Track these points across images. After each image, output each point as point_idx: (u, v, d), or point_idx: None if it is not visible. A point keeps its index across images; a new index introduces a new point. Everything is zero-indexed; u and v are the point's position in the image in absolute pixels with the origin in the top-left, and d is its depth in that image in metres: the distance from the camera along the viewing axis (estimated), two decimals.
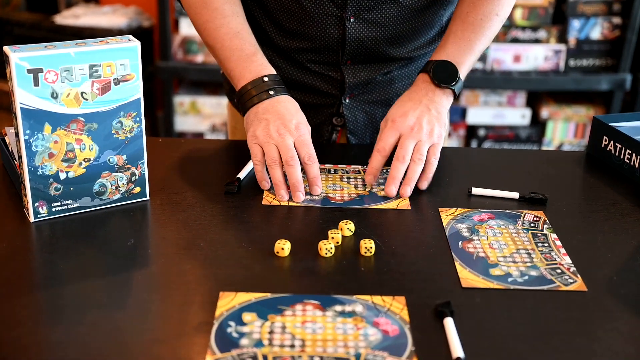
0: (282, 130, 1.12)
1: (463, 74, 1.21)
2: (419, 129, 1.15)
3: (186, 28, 2.89)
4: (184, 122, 3.05)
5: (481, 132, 3.04)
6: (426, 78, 1.21)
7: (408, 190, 1.13)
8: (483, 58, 2.86)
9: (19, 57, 0.94)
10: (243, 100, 1.18)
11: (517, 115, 3.02)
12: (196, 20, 1.24)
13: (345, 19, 1.23)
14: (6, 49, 0.95)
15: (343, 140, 1.37)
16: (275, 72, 1.19)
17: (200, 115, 3.05)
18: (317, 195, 1.12)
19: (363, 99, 1.34)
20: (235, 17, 1.22)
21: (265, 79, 1.17)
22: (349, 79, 1.30)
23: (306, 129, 1.14)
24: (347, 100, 1.33)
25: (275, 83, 1.17)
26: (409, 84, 1.34)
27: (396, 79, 1.34)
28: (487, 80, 2.88)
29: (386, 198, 1.13)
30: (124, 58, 1.01)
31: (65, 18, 3.01)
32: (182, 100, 3.03)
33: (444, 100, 1.20)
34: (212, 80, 2.97)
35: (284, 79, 1.32)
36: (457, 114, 3.00)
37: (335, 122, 1.34)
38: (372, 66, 1.30)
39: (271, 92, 1.16)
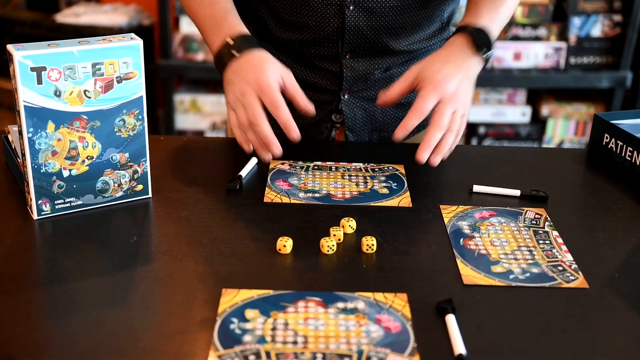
0: (245, 89, 1.09)
1: (494, 46, 1.18)
2: (458, 98, 1.11)
3: (186, 26, 2.89)
4: (184, 120, 3.06)
5: (481, 130, 3.05)
6: (465, 40, 1.16)
7: (438, 159, 1.10)
8: None
9: (23, 55, 0.94)
10: (218, 69, 1.17)
11: (518, 113, 3.03)
12: None
13: (344, 6, 1.23)
14: (10, 47, 0.95)
15: (342, 137, 1.38)
16: (242, 30, 1.16)
17: (201, 113, 3.05)
18: (294, 142, 1.10)
19: (362, 95, 1.34)
20: None
21: (229, 41, 1.14)
22: (348, 73, 1.30)
23: (268, 76, 1.08)
24: (346, 97, 1.33)
25: (239, 42, 1.14)
26: None
27: (395, 76, 1.34)
28: (487, 78, 2.88)
29: (387, 195, 1.13)
30: (127, 56, 1.01)
31: (66, 17, 3.01)
32: (182, 99, 3.03)
33: (478, 69, 1.17)
34: (213, 79, 2.97)
35: None
36: None
37: (334, 119, 1.35)
38: (371, 60, 1.30)
39: (234, 53, 1.13)
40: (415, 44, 1.32)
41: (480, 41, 1.16)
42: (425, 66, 1.14)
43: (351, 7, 1.23)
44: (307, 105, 1.13)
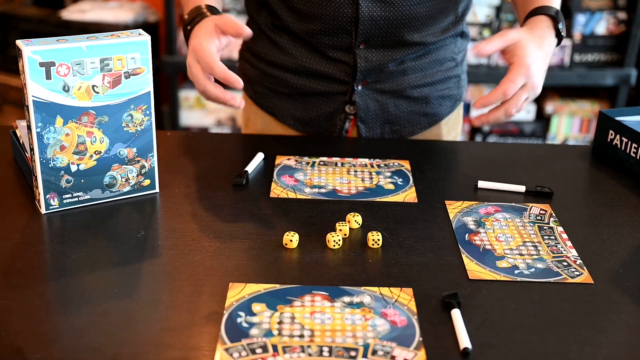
0: (190, 60, 1.14)
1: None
2: (536, 87, 1.16)
3: None
4: (189, 117, 3.06)
5: (485, 127, 3.05)
6: (550, 24, 1.20)
7: (484, 122, 1.17)
8: None
9: (32, 50, 0.95)
10: None
11: (522, 110, 3.02)
12: None
13: None
14: (19, 42, 0.96)
15: (354, 129, 1.38)
16: (197, 4, 1.20)
17: (206, 109, 3.06)
18: (239, 90, 1.16)
19: (375, 87, 1.34)
20: None
21: (185, 17, 1.20)
22: (362, 64, 1.30)
23: (200, 41, 1.13)
24: (360, 88, 1.33)
25: (193, 16, 1.19)
26: (422, 76, 1.35)
27: (409, 70, 1.34)
28: (492, 75, 2.88)
29: (393, 191, 1.14)
30: (135, 52, 1.02)
31: (72, 13, 3.01)
32: (187, 95, 3.04)
33: (553, 45, 1.21)
34: None
35: (298, 68, 1.33)
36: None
37: (348, 110, 1.35)
38: (385, 51, 1.30)
39: (188, 28, 1.18)
40: (429, 37, 1.32)
41: (560, 28, 1.21)
42: (522, 41, 1.16)
43: None
44: (241, 30, 1.14)
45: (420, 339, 0.81)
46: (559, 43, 1.22)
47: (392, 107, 1.36)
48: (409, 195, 1.13)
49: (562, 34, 1.21)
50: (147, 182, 1.10)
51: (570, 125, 3.04)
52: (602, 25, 2.88)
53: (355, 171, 1.20)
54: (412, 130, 1.39)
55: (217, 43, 1.13)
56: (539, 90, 1.17)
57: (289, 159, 1.23)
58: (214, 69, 1.10)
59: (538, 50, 1.16)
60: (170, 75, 2.94)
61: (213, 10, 1.19)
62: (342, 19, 1.26)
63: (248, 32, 1.12)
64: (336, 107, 1.35)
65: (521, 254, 0.98)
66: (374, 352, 0.78)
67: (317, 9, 1.26)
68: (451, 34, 1.35)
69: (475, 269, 0.94)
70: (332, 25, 1.27)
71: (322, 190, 1.13)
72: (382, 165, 1.22)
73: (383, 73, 1.33)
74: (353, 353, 0.78)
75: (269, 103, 1.41)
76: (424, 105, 1.38)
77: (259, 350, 0.78)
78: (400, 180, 1.17)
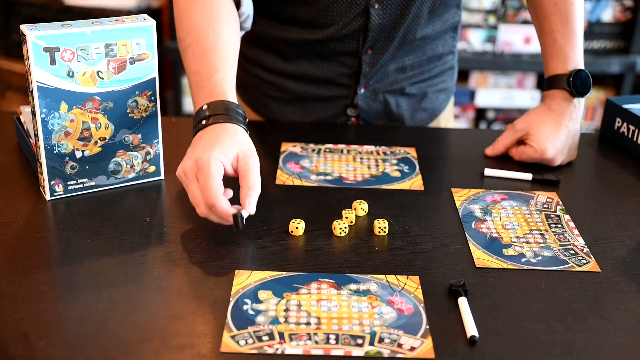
0: (188, 170, 0.95)
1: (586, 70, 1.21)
2: (558, 158, 1.20)
3: None
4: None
5: (490, 115, 3.04)
6: (565, 95, 1.20)
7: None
8: (493, 40, 2.85)
9: (36, 35, 0.94)
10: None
11: (527, 97, 3.01)
12: (177, 36, 1.11)
13: (369, 6, 1.21)
14: (23, 27, 0.95)
15: None
16: (221, 98, 1.00)
17: None
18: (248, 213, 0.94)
19: (377, 88, 1.33)
20: (210, 33, 1.06)
21: (204, 107, 0.99)
22: (366, 69, 1.29)
23: (211, 167, 0.92)
24: (362, 91, 1.32)
25: (213, 110, 0.98)
26: (420, 72, 1.34)
27: (408, 67, 1.32)
28: (497, 62, 2.86)
29: (399, 178, 1.13)
30: (140, 37, 1.01)
31: None
32: None
33: (581, 112, 1.22)
34: None
35: (298, 74, 1.30)
36: (466, 96, 2.99)
37: (349, 113, 1.34)
38: (390, 53, 1.28)
39: (203, 122, 0.98)
40: (429, 28, 1.30)
41: (579, 90, 1.20)
42: (532, 127, 1.21)
43: (376, 6, 1.21)
44: (245, 200, 0.93)
45: (427, 326, 0.80)
46: (588, 93, 1.21)
47: (394, 106, 1.34)
48: (415, 182, 1.12)
49: (584, 95, 1.20)
50: (152, 168, 1.09)
51: None
52: (608, 13, 2.86)
53: (362, 158, 1.19)
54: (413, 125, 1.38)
55: (222, 171, 0.94)
56: (567, 157, 1.22)
57: (294, 146, 1.22)
58: (217, 210, 0.92)
59: (555, 132, 1.19)
60: (173, 61, 2.93)
61: (238, 112, 1.00)
62: (351, 27, 1.23)
63: (252, 209, 0.93)
64: (337, 111, 1.33)
65: (528, 242, 0.98)
66: (381, 340, 0.78)
67: (326, 20, 1.23)
68: (450, 24, 1.33)
69: (482, 257, 0.94)
70: (340, 34, 1.24)
71: (328, 178, 1.13)
72: (389, 152, 1.22)
73: (384, 73, 1.31)
74: (360, 341, 0.78)
75: (265, 108, 1.37)
76: (422, 101, 1.37)
77: (265, 338, 0.78)
78: (407, 167, 1.17)
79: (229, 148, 0.95)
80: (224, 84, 1.02)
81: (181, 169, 0.96)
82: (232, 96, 1.02)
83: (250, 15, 1.18)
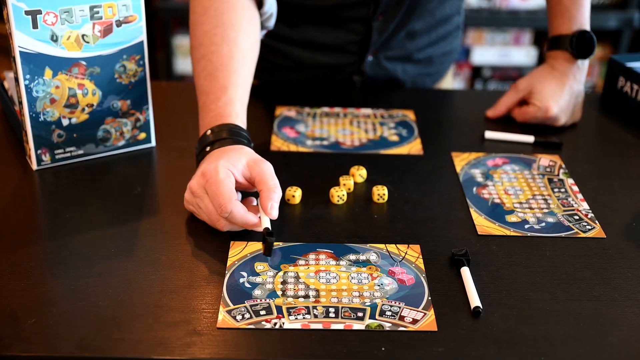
0: (196, 187, 0.88)
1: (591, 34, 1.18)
2: (565, 118, 1.18)
3: None
4: (184, 64, 3.00)
5: (486, 73, 2.99)
6: (567, 56, 1.17)
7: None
8: None
9: None
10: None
11: (523, 54, 2.97)
12: (190, 43, 1.05)
13: None
14: None
15: None
16: (226, 121, 0.94)
17: None
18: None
19: (385, 55, 1.28)
20: (224, 46, 1.00)
21: (208, 132, 0.94)
22: (375, 36, 1.24)
23: (220, 174, 0.85)
24: (370, 58, 1.28)
25: (217, 135, 0.93)
26: (429, 37, 1.29)
27: (417, 33, 1.28)
28: (493, 19, 2.81)
29: (397, 143, 1.10)
30: None
31: None
32: (182, 42, 2.96)
33: (585, 73, 1.20)
34: None
35: (305, 41, 1.26)
36: (461, 53, 2.94)
37: (355, 79, 1.30)
38: (399, 20, 1.24)
39: (207, 149, 0.92)
40: None
41: (582, 51, 1.17)
42: (535, 87, 1.18)
43: None
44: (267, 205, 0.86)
45: (429, 298, 0.78)
46: (591, 55, 1.19)
47: (400, 72, 1.31)
48: (414, 147, 1.09)
49: (587, 57, 1.18)
50: (142, 135, 1.06)
51: None
52: None
53: (359, 122, 1.16)
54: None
55: (232, 179, 0.87)
56: (571, 118, 1.19)
57: (289, 110, 1.19)
58: (230, 215, 0.84)
59: (558, 90, 1.17)
60: (164, 21, 2.86)
61: (243, 135, 0.95)
62: None
63: (275, 214, 0.86)
64: (342, 78, 1.30)
65: (531, 208, 0.95)
66: (382, 313, 0.76)
67: None
68: None
69: (484, 224, 0.91)
70: (351, 0, 1.19)
71: (325, 143, 1.09)
72: (386, 115, 1.18)
73: (393, 41, 1.27)
74: (360, 314, 0.75)
75: (268, 76, 1.32)
76: (428, 66, 1.34)
77: (262, 312, 0.75)
78: (405, 131, 1.14)
79: (236, 158, 0.88)
80: (232, 105, 0.96)
81: (187, 192, 0.89)
82: (238, 118, 0.96)
83: (273, 14, 1.11)
